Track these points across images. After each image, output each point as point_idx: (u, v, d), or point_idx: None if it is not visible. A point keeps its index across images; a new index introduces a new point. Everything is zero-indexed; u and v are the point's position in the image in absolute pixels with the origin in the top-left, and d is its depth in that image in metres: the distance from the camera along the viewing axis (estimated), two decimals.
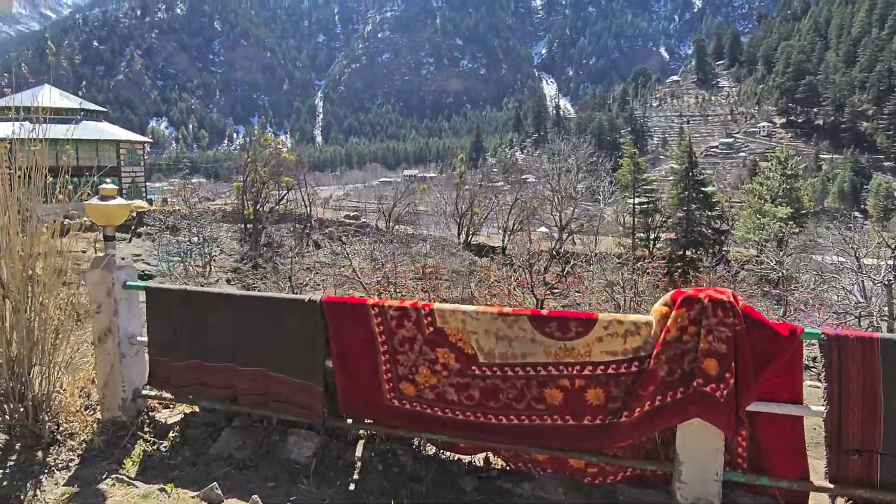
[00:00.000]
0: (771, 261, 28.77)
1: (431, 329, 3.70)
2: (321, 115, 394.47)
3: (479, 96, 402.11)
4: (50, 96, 50.32)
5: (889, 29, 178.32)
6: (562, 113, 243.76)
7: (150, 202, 52.63)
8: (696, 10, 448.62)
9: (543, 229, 66.78)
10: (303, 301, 3.90)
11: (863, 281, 20.22)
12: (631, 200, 56.28)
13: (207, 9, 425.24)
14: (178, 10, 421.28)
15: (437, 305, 3.73)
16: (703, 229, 54.85)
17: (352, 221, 51.20)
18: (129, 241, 39.78)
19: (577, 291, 38.05)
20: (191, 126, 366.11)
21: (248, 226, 41.74)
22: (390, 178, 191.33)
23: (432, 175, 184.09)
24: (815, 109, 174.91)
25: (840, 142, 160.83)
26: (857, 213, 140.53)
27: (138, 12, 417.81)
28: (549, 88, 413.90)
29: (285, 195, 44.99)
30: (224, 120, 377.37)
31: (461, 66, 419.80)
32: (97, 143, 50.14)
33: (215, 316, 4.19)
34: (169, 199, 52.34)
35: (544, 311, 3.45)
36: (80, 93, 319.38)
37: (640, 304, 28.90)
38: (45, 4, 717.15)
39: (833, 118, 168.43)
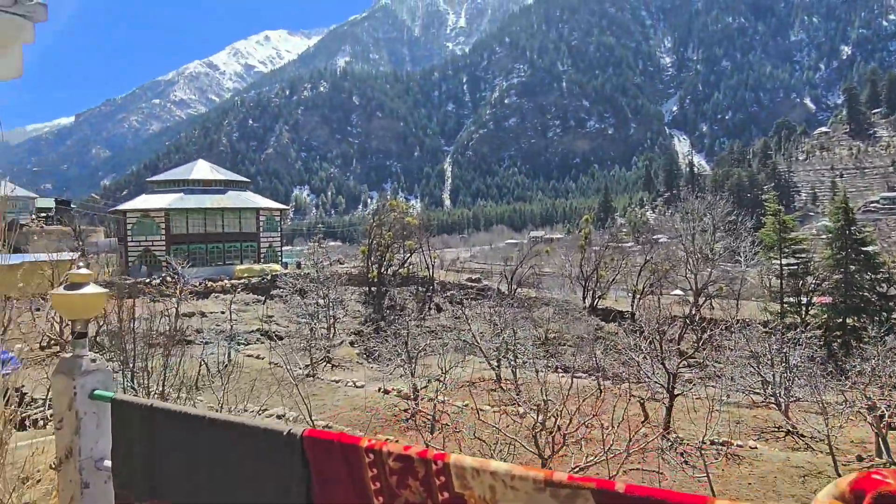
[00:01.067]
0: None
1: (446, 495, 1.95)
2: (449, 180, 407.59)
3: (606, 156, 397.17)
4: (202, 169, 55.88)
5: None
6: (696, 170, 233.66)
7: (286, 266, 55.85)
8: (844, 58, 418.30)
9: (678, 292, 62.70)
10: (280, 433, 2.52)
11: None
12: (777, 261, 51.42)
13: (347, 85, 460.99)
14: (322, 89, 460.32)
15: (454, 459, 1.96)
16: (867, 294, 48.66)
17: (473, 284, 50.96)
18: (264, 303, 42.04)
19: (716, 363, 34.75)
20: (329, 193, 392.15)
21: (373, 288, 42.66)
22: (516, 239, 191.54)
23: (559, 236, 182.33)
24: None
25: None
26: None
27: (287, 92, 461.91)
28: (682, 145, 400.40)
29: (408, 258, 45.75)
30: (360, 186, 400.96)
31: (588, 126, 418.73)
32: (240, 211, 54.53)
33: (176, 442, 3.00)
34: (302, 263, 55.25)
35: (621, 486, 1.49)
36: (236, 166, 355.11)
37: (793, 381, 25.54)
38: (211, 90, 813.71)
39: None
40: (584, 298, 49.70)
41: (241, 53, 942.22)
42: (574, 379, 31.50)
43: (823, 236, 59.20)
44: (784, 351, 26.44)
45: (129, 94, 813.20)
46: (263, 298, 42.56)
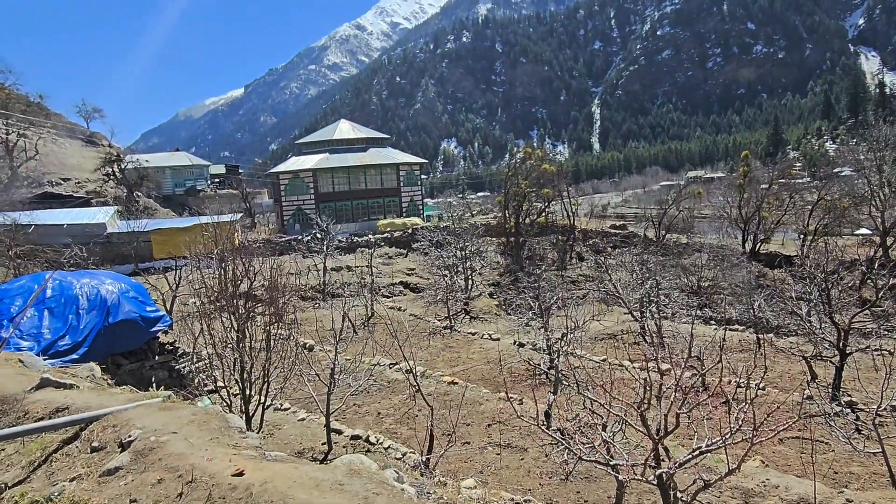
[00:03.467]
0: None
1: None
2: (598, 123, 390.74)
3: (776, 84, 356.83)
4: (344, 129, 57.75)
5: None
6: (888, 90, 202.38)
7: (428, 219, 56.77)
8: None
9: (863, 231, 55.19)
10: None
11: None
12: None
13: (490, 33, 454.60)
14: (465, 39, 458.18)
15: None
16: None
17: (618, 231, 48.35)
18: (405, 256, 43.06)
19: None
20: (476, 144, 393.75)
21: (511, 239, 41.96)
22: (672, 181, 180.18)
23: (720, 175, 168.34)
24: None
25: None
26: None
27: (431, 46, 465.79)
28: (870, 64, 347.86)
29: (545, 207, 44.27)
30: (506, 135, 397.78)
31: (754, 52, 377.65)
32: (381, 167, 55.96)
33: None
34: (443, 216, 55.77)
35: None
36: (387, 123, 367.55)
37: None
38: (360, 52, 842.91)
39: None
40: (743, 243, 45.27)
41: (386, 12, 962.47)
42: (730, 332, 28.87)
43: None
44: None
45: (288, 62, 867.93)
46: (405, 252, 43.60)
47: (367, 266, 38.52)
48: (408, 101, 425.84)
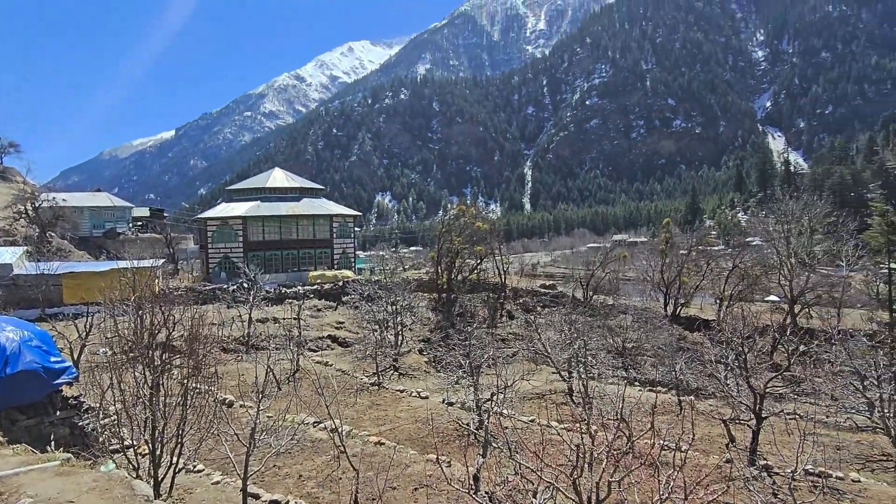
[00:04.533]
0: None
1: None
2: (530, 183, 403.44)
3: (694, 156, 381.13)
4: (277, 178, 57.12)
5: None
6: (792, 168, 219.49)
7: (359, 272, 56.22)
8: None
9: (772, 298, 58.43)
10: None
11: None
12: (885, 266, 46.79)
13: (427, 92, 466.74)
14: (403, 96, 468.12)
15: None
16: None
17: (547, 290, 49.28)
18: (335, 309, 42.22)
19: (816, 378, 31.65)
20: (411, 198, 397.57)
21: (442, 295, 41.96)
22: (598, 243, 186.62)
23: (643, 239, 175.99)
24: None
25: None
26: None
27: (369, 101, 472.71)
28: (776, 143, 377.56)
29: (478, 264, 44.75)
30: (440, 191, 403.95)
31: (674, 126, 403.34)
32: (314, 218, 55.36)
33: None
34: (375, 269, 55.41)
35: None
36: (321, 174, 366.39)
37: None
38: (298, 101, 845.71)
39: None
40: (665, 306, 47.00)
41: (327, 65, 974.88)
42: (653, 393, 29.52)
43: None
44: (893, 367, 23.56)
45: (224, 108, 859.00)
46: (335, 304, 42.80)
47: (294, 318, 37.47)
48: (344, 153, 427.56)
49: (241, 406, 24.31)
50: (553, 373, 30.23)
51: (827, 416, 27.34)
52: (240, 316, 36.82)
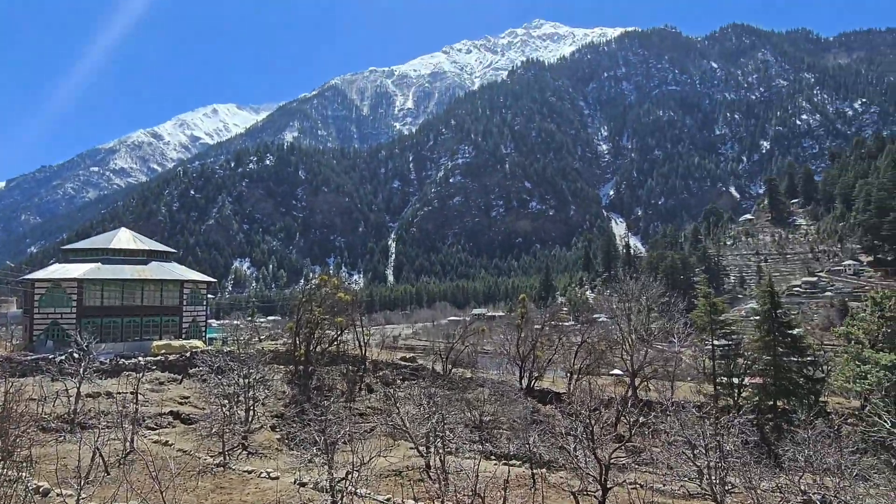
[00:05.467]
0: (886, 422, 24.42)
1: None
2: (393, 256, 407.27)
3: (548, 236, 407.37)
4: (123, 239, 53.08)
5: None
6: (632, 251, 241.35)
7: (210, 342, 52.83)
8: (764, 152, 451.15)
9: (616, 372, 62.41)
10: None
11: None
12: (709, 343, 51.96)
13: (294, 160, 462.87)
14: (268, 162, 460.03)
15: None
16: (795, 376, 49.36)
17: (407, 364, 49.20)
18: (181, 382, 39.07)
19: (654, 447, 33.82)
20: (271, 266, 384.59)
21: (300, 367, 40.40)
22: (459, 316, 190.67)
23: (500, 314, 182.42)
24: None
25: None
26: None
27: (232, 164, 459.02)
28: (619, 228, 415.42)
29: (338, 336, 43.86)
30: (302, 260, 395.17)
31: (530, 207, 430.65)
32: (162, 283, 51.70)
33: None
34: (228, 339, 52.40)
35: None
36: (174, 237, 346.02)
37: (728, 470, 24.78)
38: (154, 160, 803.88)
39: None
40: (520, 379, 48.57)
41: (188, 125, 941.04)
42: (507, 467, 29.94)
43: (752, 318, 60.55)
44: (718, 437, 25.80)
45: (67, 161, 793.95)
46: (180, 377, 39.61)
47: (132, 392, 34.09)
48: (201, 215, 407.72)
49: (58, 496, 21.36)
50: (411, 448, 29.80)
51: (664, 485, 29.10)
52: (66, 390, 32.88)
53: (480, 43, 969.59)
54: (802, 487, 23.18)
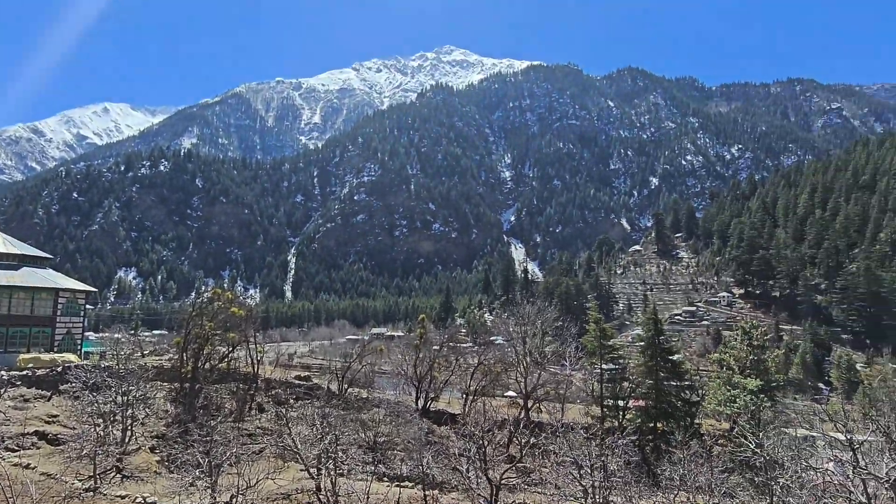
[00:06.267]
0: (750, 442, 26.48)
1: None
2: (293, 271, 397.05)
3: (449, 258, 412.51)
4: None
5: (830, 211, 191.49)
6: (530, 276, 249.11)
7: (87, 356, 49.03)
8: (653, 188, 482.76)
9: (511, 393, 63.77)
10: None
11: (864, 480, 17.99)
12: (598, 367, 54.36)
13: (191, 167, 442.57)
14: (162, 167, 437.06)
15: None
16: (674, 400, 52.56)
17: (302, 382, 47.91)
18: (49, 399, 35.96)
19: (543, 467, 34.76)
20: (160, 277, 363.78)
21: (186, 385, 38.33)
22: (358, 335, 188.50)
23: (400, 333, 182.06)
24: (770, 282, 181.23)
25: (797, 313, 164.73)
26: (822, 385, 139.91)
27: (122, 167, 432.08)
28: (518, 253, 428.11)
29: (229, 352, 42.10)
30: (195, 272, 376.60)
31: (433, 228, 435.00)
32: (34, 291, 47.54)
33: None
34: (107, 353, 48.85)
35: None
36: (52, 241, 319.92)
37: (610, 490, 25.90)
38: (33, 157, 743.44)
39: (788, 291, 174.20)
40: (417, 400, 48.55)
41: (75, 122, 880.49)
42: (399, 489, 29.71)
43: (638, 344, 64.01)
44: (603, 457, 26.91)
45: None
46: (48, 394, 36.42)
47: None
48: (84, 220, 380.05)
49: None
50: (301, 470, 28.91)
51: None
52: None
53: (391, 63, 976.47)
54: None
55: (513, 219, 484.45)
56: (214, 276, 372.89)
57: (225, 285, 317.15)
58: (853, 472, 18.90)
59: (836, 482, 20.92)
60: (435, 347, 54.86)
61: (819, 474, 23.41)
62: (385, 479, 33.23)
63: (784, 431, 41.83)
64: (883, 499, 19.66)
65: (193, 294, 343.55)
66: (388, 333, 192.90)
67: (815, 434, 34.50)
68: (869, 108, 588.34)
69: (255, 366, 43.83)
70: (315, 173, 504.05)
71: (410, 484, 30.98)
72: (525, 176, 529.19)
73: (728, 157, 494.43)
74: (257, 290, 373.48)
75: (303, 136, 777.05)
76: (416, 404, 47.51)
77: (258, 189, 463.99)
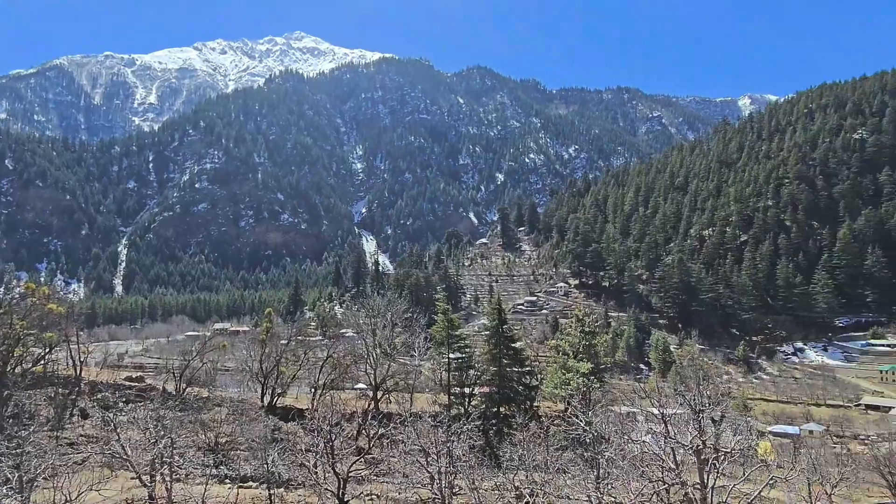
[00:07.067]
0: (581, 421, 28.75)
1: None
2: (124, 264, 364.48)
3: (299, 250, 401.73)
4: None
5: (651, 209, 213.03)
6: (381, 269, 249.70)
7: None
8: (499, 183, 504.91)
9: (361, 385, 63.75)
10: None
11: (672, 448, 20.19)
12: (446, 356, 56.02)
13: (0, 147, 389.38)
14: None
15: None
16: (515, 385, 55.62)
17: (133, 384, 44.32)
18: None
19: (392, 458, 35.18)
20: None
21: None
22: (199, 331, 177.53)
23: (245, 329, 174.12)
24: (601, 273, 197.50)
25: (623, 301, 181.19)
26: (643, 366, 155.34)
27: None
28: (369, 245, 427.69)
29: (45, 354, 37.84)
30: (4, 265, 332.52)
31: (282, 219, 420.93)
32: None
33: None
34: None
35: None
36: None
37: (456, 474, 26.91)
38: None
39: (616, 281, 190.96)
40: (262, 397, 46.91)
41: None
42: (244, 490, 28.62)
43: (483, 333, 66.77)
44: (449, 443, 27.84)
45: None
46: None
47: None
48: None
49: None
50: (132, 478, 26.84)
51: (399, 493, 30.42)
52: None
53: (237, 45, 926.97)
54: (516, 484, 26.14)
55: (364, 211, 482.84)
56: (28, 269, 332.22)
57: (42, 279, 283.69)
58: (665, 442, 21.20)
59: (651, 452, 23.36)
60: (283, 342, 53.40)
61: (638, 446, 26.00)
62: (227, 480, 31.82)
63: (610, 409, 45.94)
64: (689, 464, 22.31)
65: (2, 289, 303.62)
66: (233, 329, 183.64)
67: (635, 410, 38.18)
68: (683, 117, 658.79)
69: (78, 368, 39.73)
70: (150, 158, 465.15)
71: (255, 484, 29.97)
72: (377, 168, 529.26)
73: (566, 156, 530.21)
74: (81, 285, 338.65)
75: (136, 117, 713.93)
76: (262, 401, 45.93)
77: (82, 173, 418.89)
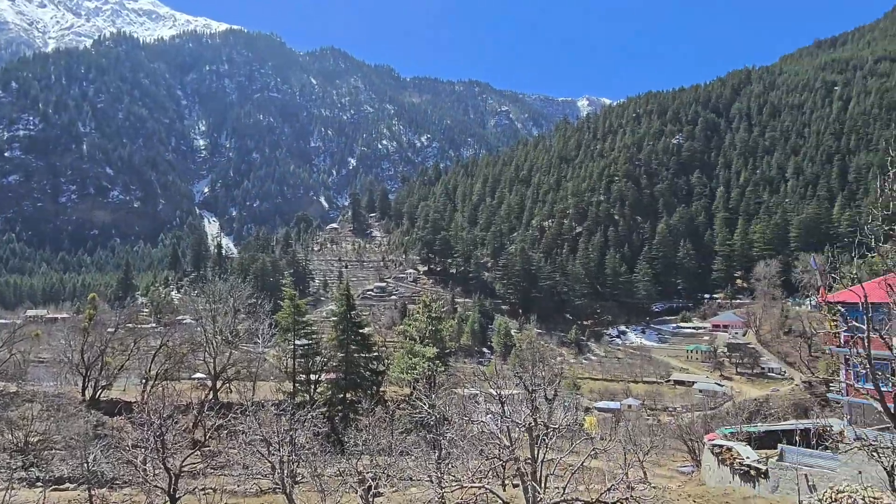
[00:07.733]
0: (425, 404, 29.56)
1: None
2: None
3: (130, 230, 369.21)
4: None
5: (498, 199, 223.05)
6: (224, 252, 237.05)
7: None
8: (351, 168, 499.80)
9: (199, 375, 60.34)
10: None
11: (508, 427, 21.39)
12: (291, 343, 54.67)
13: None
14: None
15: None
16: (363, 370, 55.71)
17: None
18: None
19: (231, 449, 33.76)
20: None
21: None
22: (8, 319, 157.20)
23: (65, 316, 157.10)
24: (449, 260, 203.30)
25: (469, 288, 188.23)
26: (486, 350, 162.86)
27: None
28: (212, 227, 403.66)
29: None
30: None
31: (111, 196, 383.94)
32: None
33: None
34: None
35: None
36: None
37: (298, 463, 26.47)
38: None
39: (463, 268, 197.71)
40: (83, 390, 42.80)
41: None
42: (58, 493, 26.02)
43: (331, 319, 66.01)
44: (292, 432, 27.30)
45: None
46: None
47: None
48: None
49: None
50: None
51: (238, 485, 29.38)
52: None
53: None
54: (360, 468, 26.31)
55: (206, 190, 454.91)
56: None
57: None
58: (501, 422, 22.46)
59: (489, 431, 24.62)
60: (109, 330, 49.15)
61: (478, 426, 27.29)
62: (39, 483, 28.75)
63: (454, 392, 47.64)
64: (523, 440, 23.82)
65: None
66: (50, 316, 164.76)
67: (477, 392, 39.96)
68: (528, 114, 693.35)
69: None
70: None
71: (73, 485, 27.38)
72: (222, 146, 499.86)
73: (419, 144, 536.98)
74: None
75: None
76: (83, 395, 41.93)
77: None
